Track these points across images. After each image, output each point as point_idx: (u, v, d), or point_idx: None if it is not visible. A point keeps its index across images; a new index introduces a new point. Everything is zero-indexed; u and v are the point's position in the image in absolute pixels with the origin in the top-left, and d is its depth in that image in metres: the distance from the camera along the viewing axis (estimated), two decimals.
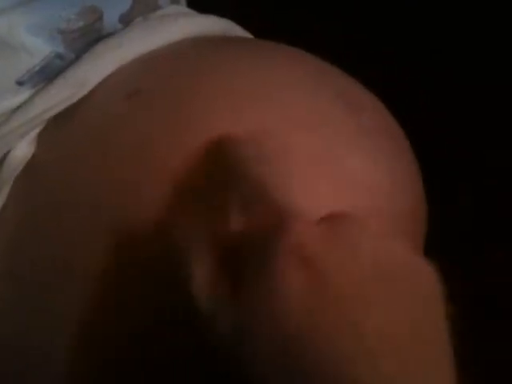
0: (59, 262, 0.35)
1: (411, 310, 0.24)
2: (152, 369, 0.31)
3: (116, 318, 0.33)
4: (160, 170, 0.32)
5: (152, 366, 0.31)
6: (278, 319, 0.24)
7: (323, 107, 0.35)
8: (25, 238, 0.37)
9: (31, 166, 0.37)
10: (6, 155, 0.37)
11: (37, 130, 0.37)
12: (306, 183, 0.31)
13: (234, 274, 0.27)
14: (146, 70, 0.37)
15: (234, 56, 0.36)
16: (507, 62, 0.82)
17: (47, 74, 0.37)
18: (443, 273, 0.31)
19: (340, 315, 0.23)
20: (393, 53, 0.83)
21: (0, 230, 0.37)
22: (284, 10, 0.83)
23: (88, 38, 0.38)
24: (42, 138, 0.37)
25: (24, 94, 0.37)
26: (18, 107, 0.37)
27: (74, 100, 0.36)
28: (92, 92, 0.37)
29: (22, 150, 0.37)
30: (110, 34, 0.38)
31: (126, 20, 0.40)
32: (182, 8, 0.44)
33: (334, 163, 0.33)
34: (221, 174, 0.30)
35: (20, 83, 0.37)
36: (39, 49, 0.37)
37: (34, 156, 0.37)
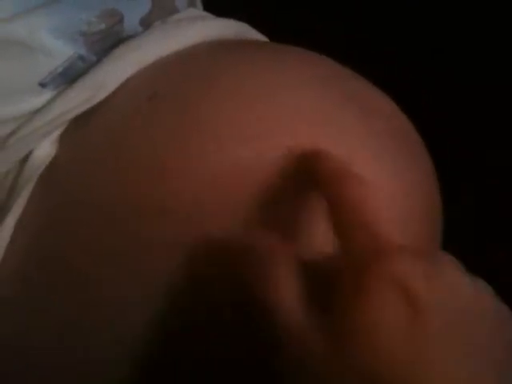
0: (65, 264, 0.36)
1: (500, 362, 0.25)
2: None
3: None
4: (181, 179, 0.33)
5: None
6: (372, 349, 0.24)
7: (331, 110, 0.35)
8: (40, 237, 0.37)
9: (53, 167, 0.38)
10: (28, 155, 0.38)
11: (59, 131, 0.38)
12: None
13: (323, 297, 0.27)
14: (163, 74, 0.37)
15: (245, 59, 0.37)
16: (509, 62, 0.82)
17: (69, 76, 0.38)
18: None
19: (436, 358, 0.24)
20: (394, 53, 0.83)
21: (21, 229, 0.37)
22: (286, 9, 0.83)
23: (109, 40, 0.39)
24: (63, 139, 0.38)
25: (46, 95, 0.38)
26: (41, 108, 0.37)
27: (94, 102, 0.37)
28: (111, 95, 0.37)
29: (45, 150, 0.38)
30: (130, 37, 0.39)
31: (146, 23, 0.41)
32: (199, 11, 0.45)
33: None
34: (310, 190, 0.31)
35: (42, 85, 0.37)
36: (61, 51, 0.37)
37: (55, 156, 0.38)
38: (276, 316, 0.27)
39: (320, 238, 0.30)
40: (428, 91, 0.82)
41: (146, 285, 0.34)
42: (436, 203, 0.37)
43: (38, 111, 0.37)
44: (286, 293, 0.27)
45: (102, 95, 0.37)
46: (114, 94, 0.37)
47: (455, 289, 0.26)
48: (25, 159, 0.38)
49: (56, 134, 0.38)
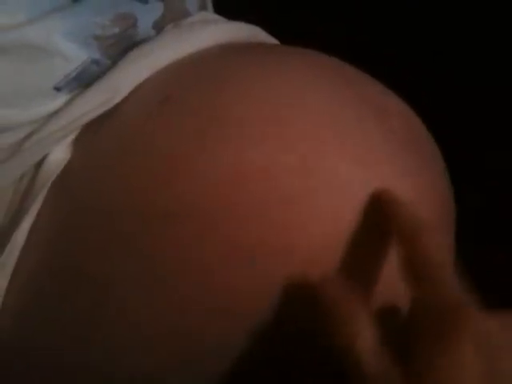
0: (77, 272, 0.36)
1: None
2: None
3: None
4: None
5: None
6: None
7: (340, 110, 0.35)
8: (53, 244, 0.38)
9: (66, 172, 0.38)
10: (43, 159, 0.38)
11: (73, 135, 0.39)
12: None
13: (399, 346, 0.28)
14: (176, 77, 0.38)
15: (255, 62, 0.37)
16: (509, 63, 0.82)
17: (83, 80, 0.38)
18: None
19: None
20: (395, 55, 0.83)
21: (35, 234, 0.38)
22: (287, 11, 0.83)
23: (123, 44, 0.39)
24: (77, 144, 0.39)
25: (61, 99, 0.38)
26: (56, 112, 0.38)
27: (108, 107, 0.38)
28: (125, 99, 0.38)
29: (59, 155, 0.38)
30: (143, 41, 0.40)
31: (159, 26, 0.41)
32: (210, 14, 0.45)
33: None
34: (384, 237, 0.32)
35: (57, 88, 0.38)
36: (76, 55, 0.38)
37: (69, 161, 0.38)
38: (358, 365, 0.28)
39: (392, 283, 0.31)
40: (428, 93, 0.82)
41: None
42: (449, 202, 0.38)
43: (52, 115, 0.38)
44: (366, 342, 0.29)
45: (115, 100, 0.38)
46: (127, 98, 0.38)
47: None
48: (39, 163, 0.38)
49: (70, 138, 0.39)
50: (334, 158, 0.33)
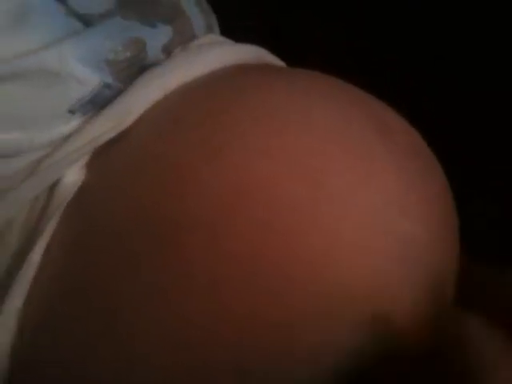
0: (85, 292, 0.37)
1: None
2: None
3: None
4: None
5: None
6: None
7: (346, 126, 0.36)
8: (65, 266, 0.39)
9: (81, 193, 0.39)
10: (58, 181, 0.39)
11: (87, 157, 0.40)
12: None
13: None
14: (185, 99, 0.39)
15: (263, 81, 0.39)
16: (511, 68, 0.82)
17: (97, 103, 0.39)
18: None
19: None
20: (396, 59, 0.83)
21: (49, 256, 0.39)
22: (287, 14, 0.83)
23: (134, 67, 0.41)
24: (90, 165, 0.40)
25: (75, 121, 0.39)
26: (70, 135, 0.39)
27: (121, 129, 0.39)
28: (136, 121, 0.39)
29: (74, 177, 0.39)
30: (153, 64, 0.41)
31: (168, 50, 0.43)
32: (217, 37, 0.47)
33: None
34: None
35: (72, 112, 0.39)
36: (89, 79, 0.39)
37: (83, 183, 0.40)
38: None
39: None
40: (430, 98, 0.83)
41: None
42: (453, 213, 0.39)
43: (67, 138, 0.39)
44: None
45: (127, 122, 0.39)
46: (138, 120, 0.39)
47: None
48: (54, 185, 0.40)
49: (84, 160, 0.40)
50: (339, 171, 0.35)
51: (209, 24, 0.47)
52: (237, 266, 0.33)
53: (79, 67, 0.38)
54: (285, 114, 0.36)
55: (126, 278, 0.36)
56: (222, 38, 0.47)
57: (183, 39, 0.44)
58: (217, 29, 0.48)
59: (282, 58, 0.48)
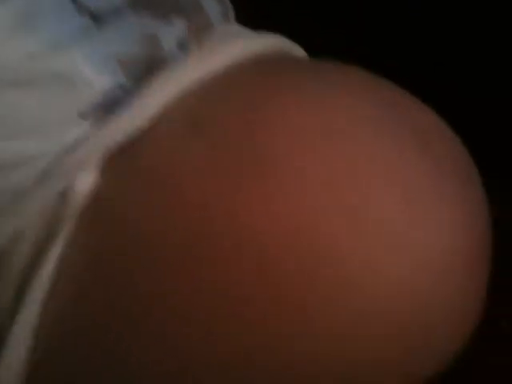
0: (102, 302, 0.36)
1: None
2: None
3: None
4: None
5: None
6: None
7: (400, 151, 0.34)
8: (79, 279, 0.38)
9: (96, 197, 0.38)
10: (69, 188, 0.38)
11: (101, 162, 0.38)
12: None
13: None
14: (203, 100, 0.37)
15: (289, 85, 0.36)
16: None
17: (109, 105, 0.38)
18: None
19: None
20: (396, 66, 0.82)
21: (66, 262, 0.38)
22: (287, 21, 0.83)
23: (148, 65, 0.39)
24: (103, 171, 0.38)
25: (87, 126, 0.38)
26: (82, 139, 0.38)
27: (137, 131, 0.37)
28: (152, 124, 0.37)
29: (86, 183, 0.38)
30: (168, 61, 0.40)
31: (183, 44, 0.41)
32: (234, 27, 0.46)
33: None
34: None
35: (83, 116, 0.38)
36: (101, 81, 0.38)
37: (98, 187, 0.38)
38: None
39: None
40: (430, 105, 0.82)
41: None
42: (488, 243, 0.37)
43: (79, 143, 0.38)
44: None
45: (142, 125, 0.37)
46: (154, 123, 0.37)
47: None
48: (66, 191, 0.38)
49: (98, 164, 0.38)
50: (382, 203, 0.33)
51: (224, 11, 0.45)
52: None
53: (90, 70, 0.37)
54: (317, 129, 0.34)
55: (148, 284, 0.35)
56: (239, 28, 0.45)
57: (199, 32, 0.42)
58: (232, 14, 0.46)
59: None
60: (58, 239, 0.37)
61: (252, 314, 0.33)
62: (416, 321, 0.33)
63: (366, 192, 0.33)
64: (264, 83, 0.37)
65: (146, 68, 0.39)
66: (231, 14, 0.47)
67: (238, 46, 0.40)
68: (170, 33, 0.41)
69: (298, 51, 0.45)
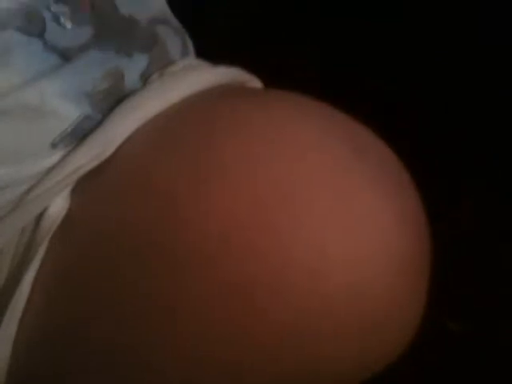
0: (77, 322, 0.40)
1: None
2: None
3: None
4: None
5: None
6: None
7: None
8: (54, 294, 0.42)
9: (66, 221, 0.42)
10: (43, 211, 0.42)
11: (70, 187, 0.42)
12: None
13: None
14: (161, 129, 0.41)
15: (245, 106, 0.40)
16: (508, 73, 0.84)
17: (77, 135, 0.42)
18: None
19: None
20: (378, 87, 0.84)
21: (39, 285, 0.41)
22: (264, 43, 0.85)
23: (112, 97, 0.43)
24: (74, 195, 0.42)
25: (57, 154, 0.41)
26: (53, 167, 0.41)
27: (101, 159, 0.41)
28: (117, 150, 0.41)
29: (58, 207, 0.42)
30: (132, 92, 0.43)
31: (145, 77, 0.45)
32: (193, 60, 0.49)
33: None
34: None
35: (54, 145, 0.41)
36: (69, 112, 0.41)
37: (68, 211, 0.42)
38: None
39: None
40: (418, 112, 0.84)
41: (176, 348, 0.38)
42: (427, 243, 0.39)
43: (50, 170, 0.41)
44: None
45: (108, 152, 0.41)
46: (119, 149, 0.41)
47: None
48: (40, 216, 0.42)
49: (68, 190, 0.42)
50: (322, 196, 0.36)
51: (184, 43, 0.49)
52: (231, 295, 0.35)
53: (59, 102, 0.41)
54: (266, 148, 0.37)
55: (119, 302, 0.38)
56: (198, 62, 0.49)
57: (160, 65, 0.46)
58: (191, 46, 0.50)
59: None
60: (34, 262, 0.41)
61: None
62: (356, 321, 0.35)
63: (307, 195, 0.36)
64: (215, 106, 0.41)
65: (110, 99, 0.43)
66: (189, 43, 0.50)
67: (193, 79, 0.44)
68: (133, 67, 0.44)
69: (253, 81, 0.48)
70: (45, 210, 0.41)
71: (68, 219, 0.41)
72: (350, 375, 0.38)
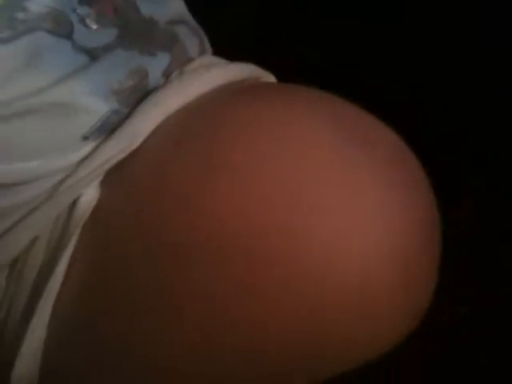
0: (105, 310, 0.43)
1: None
2: None
3: None
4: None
5: None
6: None
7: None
8: (86, 281, 0.44)
9: (96, 210, 0.45)
10: (76, 201, 0.45)
11: (101, 178, 0.45)
12: None
13: None
14: (184, 122, 0.44)
15: (255, 104, 0.42)
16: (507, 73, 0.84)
17: (106, 129, 0.45)
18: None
19: None
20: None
21: (72, 271, 0.44)
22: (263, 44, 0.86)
23: (138, 93, 0.46)
24: (104, 185, 0.45)
25: (88, 147, 0.44)
26: (84, 159, 0.44)
27: (128, 151, 0.44)
28: (142, 144, 0.44)
29: (89, 196, 0.45)
30: (155, 88, 0.46)
31: (167, 74, 0.48)
32: (211, 58, 0.52)
33: None
34: None
35: (85, 138, 0.44)
36: (98, 108, 0.44)
37: (98, 201, 0.45)
38: None
39: None
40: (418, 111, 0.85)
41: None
42: (436, 240, 0.40)
43: (81, 162, 0.44)
44: None
45: (133, 146, 0.44)
46: (144, 143, 0.44)
47: None
48: (73, 205, 0.45)
49: (98, 180, 0.45)
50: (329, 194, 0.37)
51: (201, 42, 0.52)
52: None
53: (89, 99, 0.43)
54: (275, 147, 0.38)
55: (127, 306, 0.41)
56: (215, 59, 0.52)
57: (180, 63, 0.49)
58: (208, 45, 0.53)
59: None
60: (68, 248, 0.44)
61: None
62: (365, 312, 0.37)
63: (315, 193, 0.37)
64: (232, 104, 0.43)
65: (136, 95, 0.46)
66: (206, 42, 0.53)
67: (210, 76, 0.47)
68: (156, 65, 0.47)
69: (268, 76, 0.51)
70: (77, 199, 0.44)
71: (98, 208, 0.44)
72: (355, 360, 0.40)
